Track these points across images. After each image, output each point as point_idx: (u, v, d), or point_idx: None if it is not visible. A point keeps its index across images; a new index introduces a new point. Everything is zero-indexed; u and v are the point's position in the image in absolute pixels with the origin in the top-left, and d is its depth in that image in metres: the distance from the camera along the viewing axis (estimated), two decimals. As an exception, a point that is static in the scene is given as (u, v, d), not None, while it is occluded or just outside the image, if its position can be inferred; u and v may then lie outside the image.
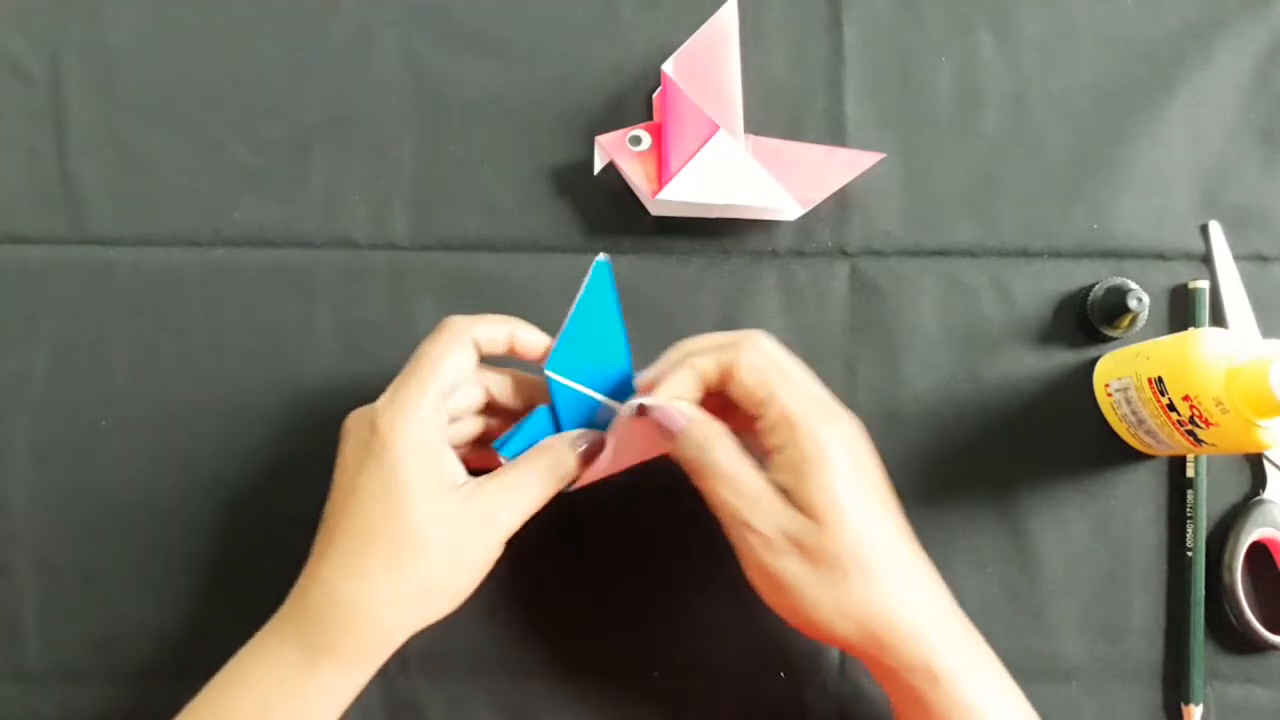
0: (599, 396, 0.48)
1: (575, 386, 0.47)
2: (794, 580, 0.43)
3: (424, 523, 0.44)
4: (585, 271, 0.46)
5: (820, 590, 0.43)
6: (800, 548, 0.43)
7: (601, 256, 0.46)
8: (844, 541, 0.42)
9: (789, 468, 0.43)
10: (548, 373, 0.46)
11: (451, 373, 0.45)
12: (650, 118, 0.56)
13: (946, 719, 0.43)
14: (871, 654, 0.44)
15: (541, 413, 0.47)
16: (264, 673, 0.45)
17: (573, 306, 0.46)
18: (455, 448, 0.46)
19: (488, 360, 0.47)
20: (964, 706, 0.43)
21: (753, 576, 0.45)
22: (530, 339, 0.47)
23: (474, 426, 0.49)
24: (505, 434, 0.47)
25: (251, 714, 0.44)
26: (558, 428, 0.47)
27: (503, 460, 0.47)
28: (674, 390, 0.45)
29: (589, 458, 0.47)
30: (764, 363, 0.45)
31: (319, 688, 0.44)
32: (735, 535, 0.44)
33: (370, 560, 0.44)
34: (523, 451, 0.47)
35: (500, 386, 0.49)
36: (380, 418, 0.44)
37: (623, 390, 0.48)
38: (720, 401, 0.46)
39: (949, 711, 0.43)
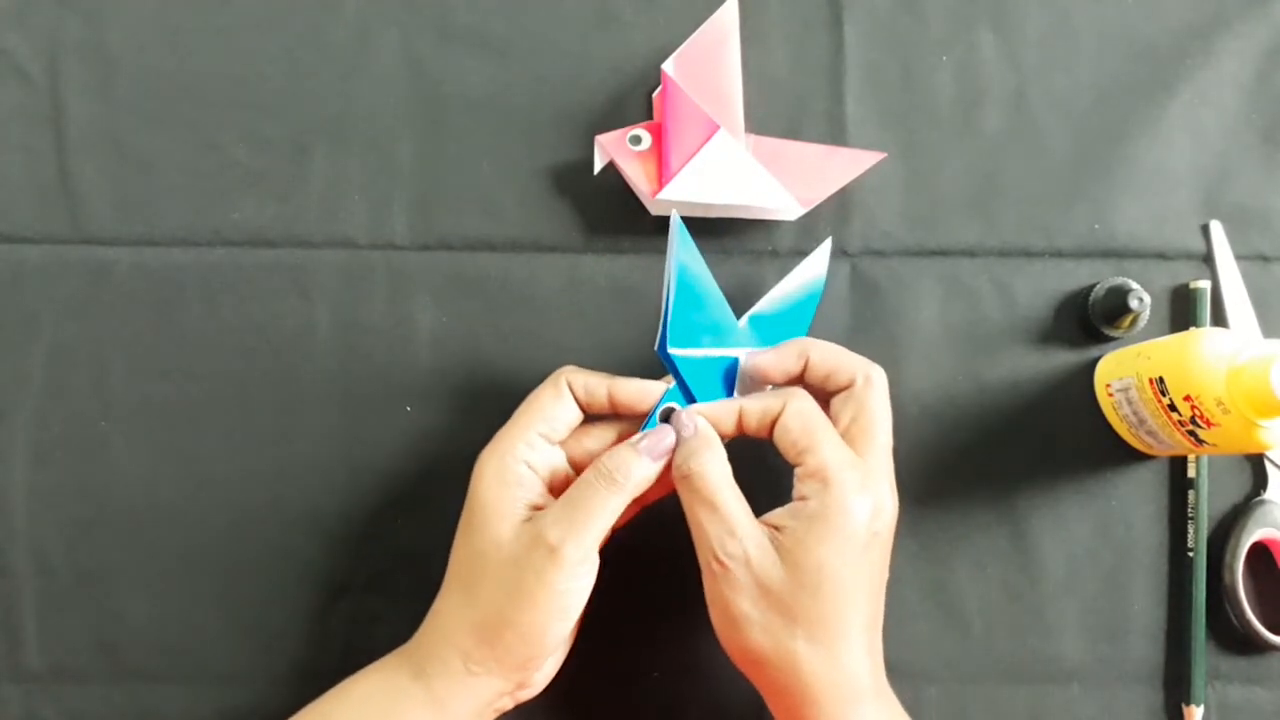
0: (727, 351, 0.48)
1: (697, 353, 0.47)
2: (741, 616, 0.43)
3: (484, 549, 0.45)
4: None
5: (763, 633, 0.43)
6: (764, 592, 0.43)
7: (674, 211, 0.46)
8: (816, 607, 0.43)
9: (802, 516, 0.43)
10: (670, 350, 0.46)
11: (538, 412, 0.46)
12: (650, 117, 0.56)
13: None
14: (774, 693, 0.44)
15: (670, 394, 0.47)
16: (373, 686, 0.47)
17: (670, 272, 0.46)
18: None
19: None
20: None
21: (709, 599, 0.45)
22: (629, 388, 0.47)
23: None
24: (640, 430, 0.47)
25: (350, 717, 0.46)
26: (691, 402, 0.47)
27: None
28: (706, 411, 0.46)
29: (660, 454, 0.45)
30: (812, 412, 0.45)
31: (411, 707, 0.45)
32: (700, 558, 0.44)
33: (455, 584, 0.46)
34: None
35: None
36: (478, 459, 0.46)
37: (735, 339, 0.48)
38: None
39: None
